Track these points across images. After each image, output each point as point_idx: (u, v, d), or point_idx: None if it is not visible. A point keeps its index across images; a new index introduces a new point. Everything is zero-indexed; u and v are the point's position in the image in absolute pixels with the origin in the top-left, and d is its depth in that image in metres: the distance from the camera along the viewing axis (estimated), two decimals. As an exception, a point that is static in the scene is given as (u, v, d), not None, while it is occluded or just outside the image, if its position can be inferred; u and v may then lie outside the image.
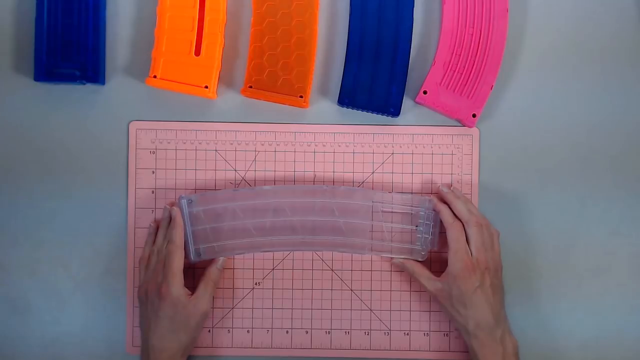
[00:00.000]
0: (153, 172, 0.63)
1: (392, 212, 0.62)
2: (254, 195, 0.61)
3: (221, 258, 0.61)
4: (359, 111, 0.62)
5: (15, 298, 0.63)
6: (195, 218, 0.60)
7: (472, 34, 0.61)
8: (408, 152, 0.63)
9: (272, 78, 0.61)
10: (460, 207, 0.59)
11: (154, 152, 0.63)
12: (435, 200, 0.61)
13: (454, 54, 0.61)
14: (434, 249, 0.62)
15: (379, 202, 0.61)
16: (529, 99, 0.63)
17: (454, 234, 0.58)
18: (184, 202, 0.60)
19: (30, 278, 0.63)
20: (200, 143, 0.63)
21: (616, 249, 0.63)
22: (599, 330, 0.63)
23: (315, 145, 0.63)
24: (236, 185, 0.63)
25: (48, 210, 0.63)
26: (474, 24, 0.61)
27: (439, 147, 0.63)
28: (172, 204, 0.61)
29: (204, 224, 0.60)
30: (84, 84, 0.61)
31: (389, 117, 0.62)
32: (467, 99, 0.61)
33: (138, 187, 0.63)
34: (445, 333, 0.63)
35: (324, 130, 0.63)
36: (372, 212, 0.61)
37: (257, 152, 0.63)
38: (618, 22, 0.63)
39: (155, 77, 0.61)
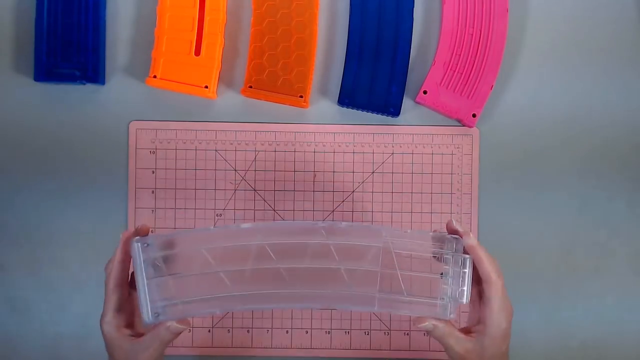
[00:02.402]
0: (153, 172, 0.63)
1: (408, 256, 0.48)
2: (229, 235, 0.48)
3: (173, 324, 0.47)
4: (359, 111, 0.62)
5: (15, 298, 0.63)
6: (152, 266, 0.47)
7: (472, 34, 0.61)
8: (408, 152, 0.63)
9: (272, 78, 0.61)
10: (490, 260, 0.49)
11: (154, 152, 0.63)
12: (470, 241, 0.48)
13: (454, 54, 0.61)
14: (464, 303, 0.48)
15: (391, 242, 0.47)
16: (529, 99, 0.63)
17: (499, 288, 0.47)
18: (137, 246, 0.47)
19: (30, 278, 0.63)
20: (200, 143, 0.63)
21: (616, 249, 0.63)
22: (599, 330, 0.63)
23: (315, 145, 0.63)
24: (236, 185, 0.63)
25: (48, 210, 0.63)
26: (474, 24, 0.61)
27: (439, 147, 0.63)
28: (127, 235, 0.50)
29: (164, 273, 0.47)
30: (84, 84, 0.61)
31: (389, 117, 0.62)
32: (467, 99, 0.61)
33: (138, 187, 0.63)
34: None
35: (324, 130, 0.63)
36: (382, 254, 0.47)
37: (257, 152, 0.63)
38: (618, 22, 0.63)
39: (155, 77, 0.61)
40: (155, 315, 0.47)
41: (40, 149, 0.63)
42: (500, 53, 0.61)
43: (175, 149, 0.63)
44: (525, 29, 0.63)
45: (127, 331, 0.49)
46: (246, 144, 0.63)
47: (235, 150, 0.63)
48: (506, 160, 0.63)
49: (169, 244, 0.48)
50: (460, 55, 0.61)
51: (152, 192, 0.63)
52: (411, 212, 0.63)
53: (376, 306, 0.47)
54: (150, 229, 0.51)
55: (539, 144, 0.63)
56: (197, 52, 0.61)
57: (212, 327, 0.62)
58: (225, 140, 0.63)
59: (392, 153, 0.63)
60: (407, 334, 0.63)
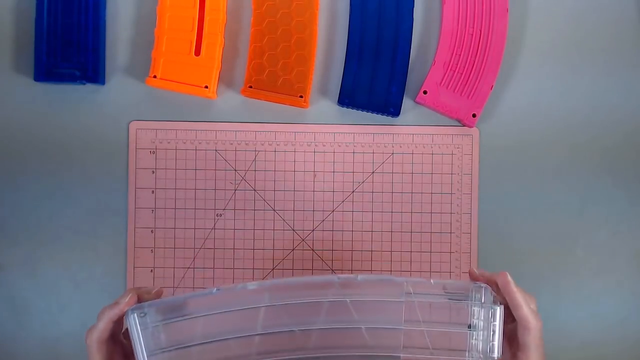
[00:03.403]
0: (153, 172, 0.63)
1: (432, 307, 0.43)
2: (234, 299, 0.43)
3: None
4: (359, 111, 0.62)
5: (15, 298, 0.63)
6: (152, 338, 0.43)
7: (472, 34, 0.61)
8: (408, 152, 0.63)
9: (272, 78, 0.61)
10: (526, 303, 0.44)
11: (154, 152, 0.63)
12: (505, 280, 0.44)
13: (454, 54, 0.61)
14: (495, 358, 0.43)
15: (413, 294, 0.43)
16: (529, 99, 0.63)
17: (538, 333, 0.43)
18: (133, 317, 0.42)
19: (30, 278, 0.63)
20: (200, 143, 0.63)
21: (616, 249, 0.63)
22: (599, 330, 0.63)
23: (315, 145, 0.63)
24: (236, 185, 0.63)
25: (48, 210, 0.63)
26: (474, 24, 0.61)
27: (439, 147, 0.63)
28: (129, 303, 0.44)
29: (164, 346, 0.42)
30: (84, 84, 0.61)
31: (389, 117, 0.62)
32: (467, 99, 0.61)
33: (138, 187, 0.63)
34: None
35: (324, 130, 0.63)
36: (405, 309, 0.43)
37: (257, 152, 0.63)
38: (618, 21, 0.63)
39: (155, 77, 0.61)
40: None
41: (40, 148, 0.63)
42: (500, 53, 0.61)
43: (175, 149, 0.63)
44: (525, 29, 0.63)
45: None
46: (246, 144, 0.63)
47: (235, 150, 0.63)
48: (506, 160, 0.63)
49: (167, 311, 0.43)
50: (460, 55, 0.61)
51: (152, 192, 0.63)
52: (411, 212, 0.63)
53: None
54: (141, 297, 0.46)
55: (539, 144, 0.63)
56: (197, 52, 0.61)
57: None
58: (225, 140, 0.63)
59: (392, 153, 0.63)
60: (407, 334, 0.63)
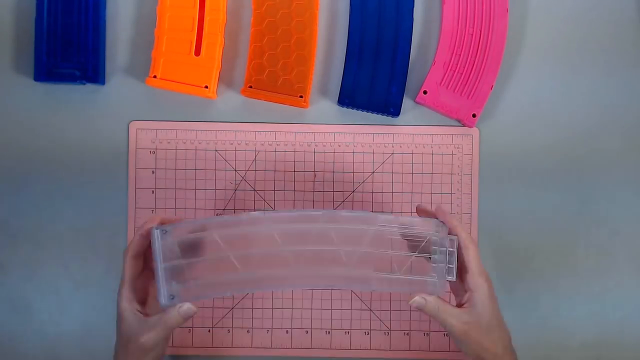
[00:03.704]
0: (153, 172, 0.63)
1: (400, 238, 0.52)
2: (239, 222, 0.52)
3: (187, 305, 0.50)
4: (359, 111, 0.62)
5: (15, 298, 0.63)
6: (169, 252, 0.50)
7: (472, 34, 0.61)
8: (408, 152, 0.63)
9: (272, 78, 0.61)
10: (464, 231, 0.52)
11: (154, 152, 0.63)
12: (452, 222, 0.52)
13: (454, 54, 0.61)
14: (452, 279, 0.51)
15: (385, 227, 0.51)
16: (529, 99, 0.63)
17: (475, 254, 0.51)
18: (157, 233, 0.50)
19: (30, 278, 0.63)
20: (200, 143, 0.63)
21: (616, 249, 0.63)
22: (599, 330, 0.63)
23: (315, 145, 0.63)
24: (236, 185, 0.63)
25: (48, 210, 0.63)
26: (474, 24, 0.61)
27: (439, 147, 0.63)
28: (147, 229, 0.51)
29: (179, 258, 0.51)
30: (84, 84, 0.61)
31: (389, 117, 0.62)
32: (467, 99, 0.61)
33: (138, 187, 0.63)
34: (445, 333, 0.63)
35: (324, 130, 0.63)
36: (377, 239, 0.51)
37: (257, 152, 0.63)
38: (618, 22, 0.63)
39: (155, 77, 0.61)
40: (171, 297, 0.50)
41: (40, 149, 0.63)
42: (500, 53, 0.61)
43: (175, 149, 0.63)
44: (525, 29, 0.63)
45: (138, 306, 0.51)
46: (246, 144, 0.63)
47: (235, 150, 0.63)
48: (506, 160, 0.63)
49: (184, 231, 0.51)
50: (460, 55, 0.61)
51: (152, 192, 0.63)
52: (411, 212, 0.63)
53: (373, 285, 0.51)
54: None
55: (539, 144, 0.63)
56: (197, 52, 0.61)
57: (212, 327, 0.62)
58: (225, 140, 0.63)
59: (392, 153, 0.63)
60: (407, 334, 0.63)
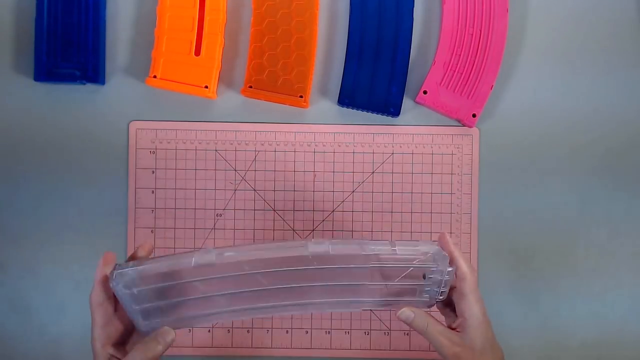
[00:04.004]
0: (153, 172, 0.63)
1: (394, 267, 0.49)
2: (214, 268, 0.47)
3: (167, 330, 0.47)
4: (359, 111, 0.62)
5: (15, 298, 0.63)
6: (139, 294, 0.47)
7: (472, 34, 0.61)
8: (408, 152, 0.63)
9: (272, 78, 0.61)
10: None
11: (154, 152, 0.63)
12: (453, 253, 0.50)
13: (454, 54, 0.61)
14: (441, 299, 0.51)
15: (377, 260, 0.48)
16: (529, 99, 0.63)
17: (473, 284, 0.50)
18: (116, 284, 0.46)
19: (30, 278, 0.63)
20: (200, 143, 0.63)
21: (616, 249, 0.63)
22: (599, 330, 0.63)
23: (315, 145, 0.63)
24: (236, 185, 0.63)
25: (48, 210, 0.63)
26: (474, 24, 0.61)
27: (439, 147, 0.63)
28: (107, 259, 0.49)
29: (152, 300, 0.47)
30: (84, 84, 0.61)
31: (389, 117, 0.62)
32: (467, 99, 0.61)
33: (138, 187, 0.63)
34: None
35: (324, 130, 0.63)
36: (371, 272, 0.49)
37: (257, 152, 0.63)
38: (618, 22, 0.63)
39: (155, 77, 0.61)
40: (150, 327, 0.48)
41: (41, 149, 0.63)
42: (500, 53, 0.61)
43: (175, 149, 0.63)
44: (525, 29, 0.63)
45: (111, 349, 0.48)
46: (246, 144, 0.63)
47: (235, 150, 0.63)
48: (506, 160, 0.63)
49: (150, 279, 0.47)
50: (460, 55, 0.61)
51: (152, 192, 0.63)
52: (411, 212, 0.63)
53: (364, 307, 0.50)
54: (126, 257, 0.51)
55: (539, 143, 0.63)
56: (197, 52, 0.61)
57: (212, 327, 0.62)
58: (225, 140, 0.63)
59: (392, 153, 0.63)
60: (407, 334, 0.63)
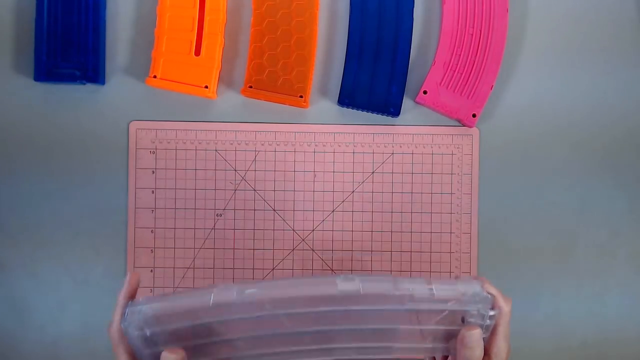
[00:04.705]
0: (153, 172, 0.63)
1: (431, 309, 0.44)
2: (234, 307, 0.42)
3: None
4: (359, 111, 0.62)
5: (15, 298, 0.63)
6: (152, 342, 0.43)
7: (472, 34, 0.61)
8: (408, 152, 0.63)
9: (272, 78, 0.61)
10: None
11: (154, 152, 0.63)
12: (492, 291, 0.46)
13: (454, 54, 0.61)
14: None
15: (411, 300, 0.43)
16: (529, 99, 0.63)
17: (507, 320, 0.47)
18: (128, 324, 0.43)
19: (30, 278, 0.63)
20: (200, 143, 0.63)
21: (616, 249, 0.63)
22: (599, 330, 0.63)
23: (315, 145, 0.63)
24: (236, 185, 0.63)
25: (48, 210, 0.63)
26: (474, 24, 0.61)
27: (439, 147, 0.63)
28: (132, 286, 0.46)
29: (165, 344, 0.43)
30: (84, 84, 0.61)
31: (389, 117, 0.62)
32: (467, 99, 0.61)
33: (138, 187, 0.63)
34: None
35: (324, 130, 0.63)
36: (405, 315, 0.44)
37: (257, 152, 0.63)
38: (618, 22, 0.63)
39: (155, 77, 0.61)
40: None
41: (40, 149, 0.63)
42: (500, 53, 0.61)
43: (175, 149, 0.63)
44: (525, 29, 0.63)
45: None
46: (246, 144, 0.63)
47: (235, 150, 0.63)
48: (506, 160, 0.63)
49: (166, 321, 0.43)
50: (460, 55, 0.61)
51: (152, 192, 0.63)
52: (411, 212, 0.63)
53: (396, 354, 0.45)
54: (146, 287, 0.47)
55: (539, 144, 0.63)
56: (197, 52, 0.61)
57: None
58: (225, 140, 0.63)
59: (392, 153, 0.63)
60: (407, 334, 0.63)
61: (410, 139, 0.63)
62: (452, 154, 0.63)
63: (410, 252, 0.63)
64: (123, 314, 0.44)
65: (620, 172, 0.63)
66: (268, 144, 0.63)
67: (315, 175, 0.63)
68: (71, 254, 0.63)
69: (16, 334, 0.63)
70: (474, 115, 0.61)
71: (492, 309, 0.45)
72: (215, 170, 0.63)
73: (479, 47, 0.61)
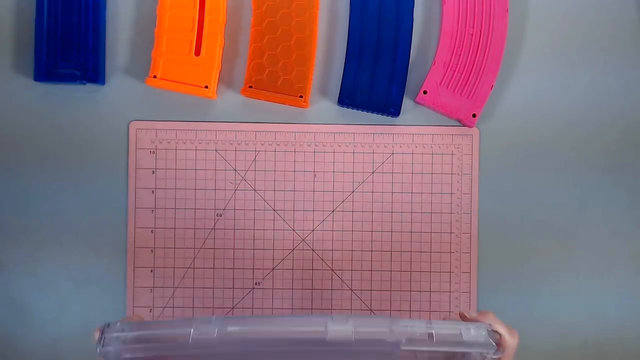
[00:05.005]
0: (153, 172, 0.63)
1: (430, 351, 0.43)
2: (214, 341, 0.40)
3: None
4: (359, 111, 0.62)
5: (15, 298, 0.63)
6: None
7: (472, 34, 0.61)
8: (408, 152, 0.63)
9: (272, 78, 0.61)
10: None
11: (154, 152, 0.63)
12: (498, 327, 0.46)
13: (454, 54, 0.61)
14: None
15: (409, 338, 0.41)
16: (529, 99, 0.63)
17: (512, 349, 0.47)
18: (104, 350, 0.40)
19: (30, 278, 0.63)
20: (200, 143, 0.63)
21: (616, 249, 0.63)
22: (599, 330, 0.63)
23: (315, 145, 0.63)
24: (236, 185, 0.63)
25: (48, 210, 0.63)
26: (474, 24, 0.61)
27: (439, 147, 0.63)
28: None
29: None
30: (84, 84, 0.61)
31: (389, 117, 0.62)
32: (467, 99, 0.61)
33: (138, 187, 0.63)
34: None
35: (324, 130, 0.63)
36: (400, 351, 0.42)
37: (257, 152, 0.63)
38: (618, 22, 0.63)
39: (155, 77, 0.61)
40: None
41: (40, 148, 0.63)
42: (500, 53, 0.61)
43: (175, 149, 0.63)
44: (525, 29, 0.63)
45: None
46: (246, 144, 0.63)
47: (235, 150, 0.63)
48: (506, 160, 0.63)
49: (144, 338, 0.41)
50: (460, 55, 0.61)
51: (152, 192, 0.63)
52: (411, 212, 0.63)
53: None
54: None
55: (539, 144, 0.63)
56: (197, 52, 0.61)
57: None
58: (225, 140, 0.63)
59: (392, 153, 0.63)
60: (407, 334, 0.63)
61: (410, 139, 0.63)
62: (452, 154, 0.63)
63: (410, 252, 0.63)
64: (100, 339, 0.42)
65: (620, 172, 0.63)
66: (268, 144, 0.63)
67: (315, 175, 0.63)
68: (71, 254, 0.63)
69: (16, 334, 0.63)
70: (474, 115, 0.61)
71: (497, 347, 0.43)
72: (215, 170, 0.63)
73: (479, 47, 0.61)
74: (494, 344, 0.43)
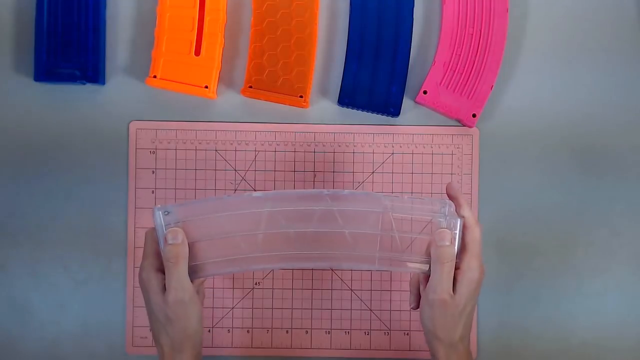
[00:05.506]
0: (153, 172, 0.63)
1: (407, 219, 0.52)
2: (242, 203, 0.52)
3: (174, 232, 0.50)
4: (359, 111, 0.62)
5: (15, 298, 0.63)
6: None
7: (472, 34, 0.61)
8: (408, 152, 0.63)
9: (272, 78, 0.61)
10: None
11: (154, 152, 0.63)
12: (460, 201, 0.52)
13: (454, 54, 0.61)
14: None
15: (390, 207, 0.51)
16: (529, 99, 0.63)
17: (478, 236, 0.51)
18: (159, 214, 0.51)
19: (30, 278, 0.63)
20: (200, 143, 0.63)
21: (616, 249, 0.63)
22: (599, 330, 0.63)
23: (315, 145, 0.63)
24: (236, 186, 0.63)
25: (48, 210, 0.63)
26: (474, 24, 0.61)
27: (439, 147, 0.63)
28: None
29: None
30: (84, 84, 0.61)
31: (389, 117, 0.62)
32: (467, 99, 0.61)
33: (138, 187, 0.63)
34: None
35: (324, 130, 0.63)
36: (382, 219, 0.51)
37: (257, 152, 0.63)
38: (618, 22, 0.63)
39: (155, 77, 0.61)
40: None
41: (40, 149, 0.63)
42: (500, 53, 0.61)
43: (175, 149, 0.63)
44: (525, 29, 0.63)
45: (161, 275, 0.51)
46: (246, 144, 0.63)
47: (235, 150, 0.63)
48: (506, 160, 0.63)
49: (187, 212, 0.51)
50: (460, 55, 0.61)
51: (152, 192, 0.63)
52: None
53: (376, 264, 0.51)
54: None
55: (539, 144, 0.63)
56: (197, 52, 0.61)
57: (212, 327, 0.62)
58: (225, 140, 0.63)
59: (392, 153, 0.63)
60: (407, 334, 0.63)
61: (410, 139, 0.63)
62: (452, 154, 0.63)
63: (410, 252, 0.63)
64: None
65: (620, 173, 0.63)
66: (268, 144, 0.63)
67: (315, 175, 0.63)
68: (71, 254, 0.63)
69: (16, 334, 0.63)
70: (474, 115, 0.61)
71: (459, 216, 0.51)
72: (215, 170, 0.63)
73: (479, 47, 0.61)
74: (458, 218, 0.51)
